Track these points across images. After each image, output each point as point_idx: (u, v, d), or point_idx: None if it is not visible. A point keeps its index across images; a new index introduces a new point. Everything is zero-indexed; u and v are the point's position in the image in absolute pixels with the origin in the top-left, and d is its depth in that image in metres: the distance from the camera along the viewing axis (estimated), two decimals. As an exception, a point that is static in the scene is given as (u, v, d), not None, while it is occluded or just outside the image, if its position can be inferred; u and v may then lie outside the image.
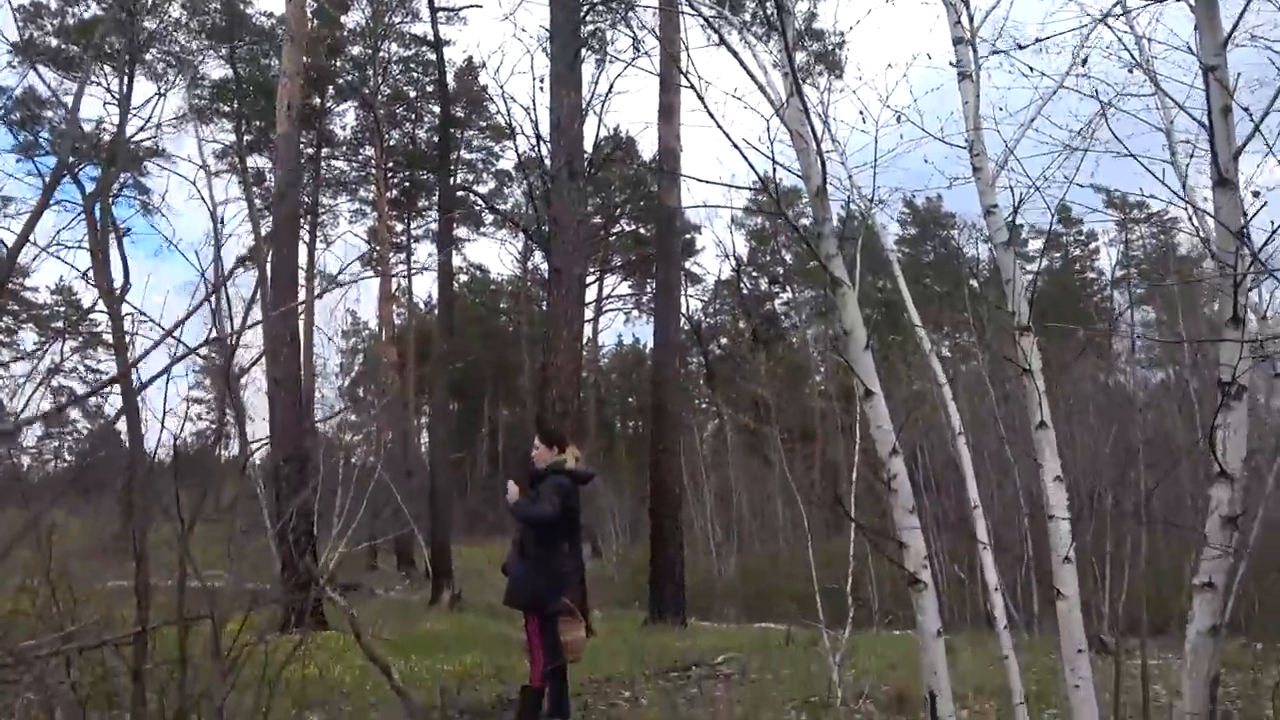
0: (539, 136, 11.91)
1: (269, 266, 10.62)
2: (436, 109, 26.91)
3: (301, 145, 33.35)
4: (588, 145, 15.35)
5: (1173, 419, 22.00)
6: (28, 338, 43.20)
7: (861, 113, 3.89)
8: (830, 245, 3.00)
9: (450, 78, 34.54)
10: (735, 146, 3.55)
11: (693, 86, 2.88)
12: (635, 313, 45.17)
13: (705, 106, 2.90)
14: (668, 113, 13.34)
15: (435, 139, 26.91)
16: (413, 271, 35.98)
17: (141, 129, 25.81)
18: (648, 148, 32.73)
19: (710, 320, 45.91)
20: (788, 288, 45.52)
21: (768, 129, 3.06)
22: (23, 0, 25.16)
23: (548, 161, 11.61)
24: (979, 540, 4.47)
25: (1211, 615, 2.64)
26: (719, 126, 2.99)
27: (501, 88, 25.89)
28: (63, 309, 40.14)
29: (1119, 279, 38.89)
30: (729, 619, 16.97)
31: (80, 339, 36.87)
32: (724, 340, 46.26)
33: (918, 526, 2.71)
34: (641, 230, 40.17)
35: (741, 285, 43.55)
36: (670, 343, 12.96)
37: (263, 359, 10.31)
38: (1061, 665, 3.04)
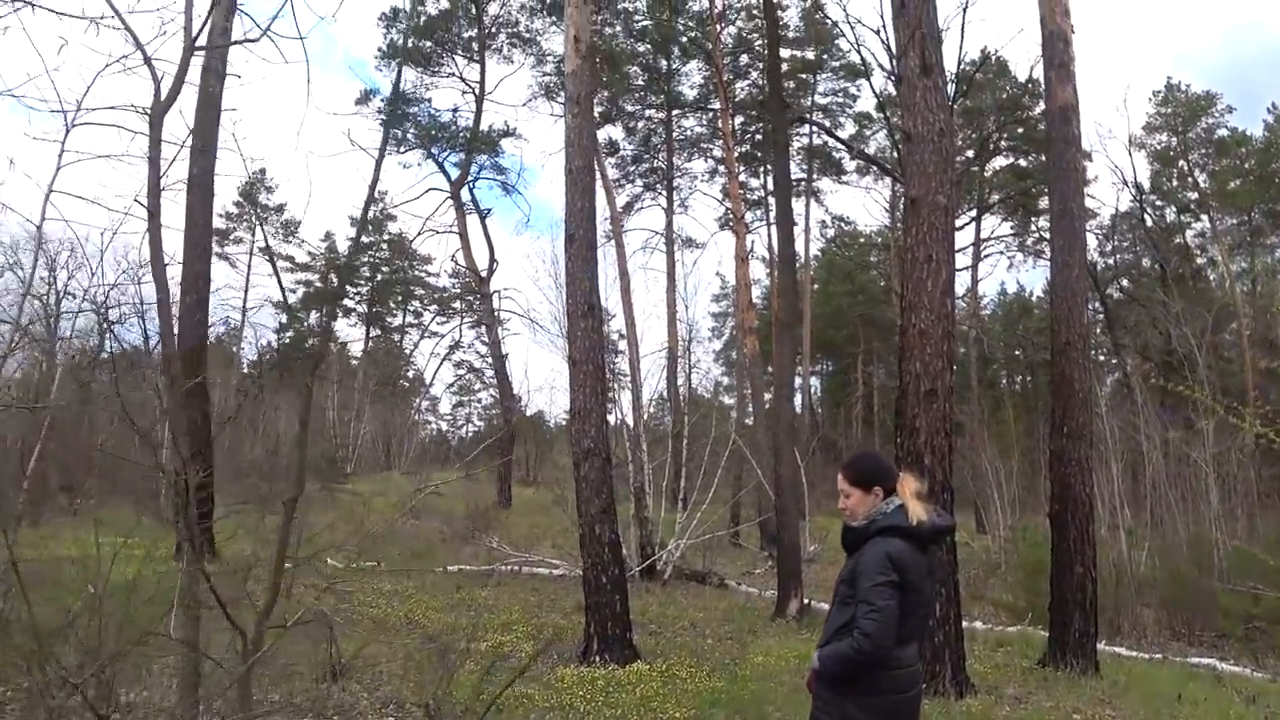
0: (890, 51, 9.39)
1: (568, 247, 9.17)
2: (782, 54, 24.57)
3: (651, 112, 32.97)
4: (949, 53, 12.26)
5: None
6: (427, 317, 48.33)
7: None
8: None
9: (796, 18, 32.28)
10: None
11: None
12: (1019, 255, 39.73)
13: None
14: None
15: (766, 83, 24.76)
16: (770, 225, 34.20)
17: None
18: (1020, 64, 27.93)
19: (1108, 260, 39.32)
20: (1200, 216, 37.56)
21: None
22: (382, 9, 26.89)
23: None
24: None
25: None
26: None
27: (847, 14, 23.05)
28: (458, 289, 43.91)
29: None
30: (1146, 638, 13.12)
31: (475, 316, 40.18)
32: (1124, 282, 39.28)
33: None
34: (1021, 162, 35.00)
35: (1145, 216, 36.57)
36: (1074, 292, 9.60)
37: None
38: None
